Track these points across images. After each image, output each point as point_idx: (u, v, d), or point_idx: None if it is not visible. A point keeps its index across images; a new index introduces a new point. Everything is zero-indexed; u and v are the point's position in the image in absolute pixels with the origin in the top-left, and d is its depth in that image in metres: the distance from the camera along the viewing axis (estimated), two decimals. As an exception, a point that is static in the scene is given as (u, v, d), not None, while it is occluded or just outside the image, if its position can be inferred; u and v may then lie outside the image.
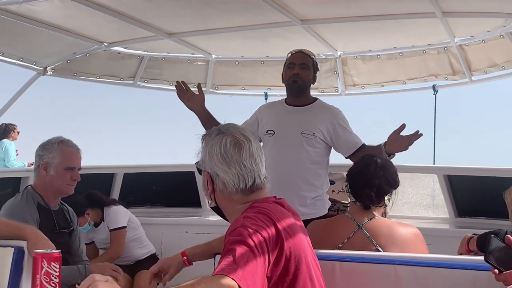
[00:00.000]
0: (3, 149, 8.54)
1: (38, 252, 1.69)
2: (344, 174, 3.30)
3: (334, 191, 4.52)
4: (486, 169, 5.21)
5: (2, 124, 8.74)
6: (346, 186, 2.90)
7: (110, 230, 4.80)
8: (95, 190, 4.96)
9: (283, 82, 4.06)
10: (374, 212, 2.81)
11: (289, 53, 4.08)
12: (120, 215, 4.87)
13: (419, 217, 5.45)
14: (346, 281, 2.45)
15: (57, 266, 1.68)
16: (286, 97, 4.11)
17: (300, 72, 3.91)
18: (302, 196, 3.77)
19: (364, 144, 3.88)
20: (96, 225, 4.89)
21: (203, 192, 2.41)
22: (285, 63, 4.06)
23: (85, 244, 4.94)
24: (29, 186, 3.64)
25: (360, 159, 3.04)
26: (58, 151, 3.57)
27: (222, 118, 3.45)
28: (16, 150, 8.68)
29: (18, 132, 8.92)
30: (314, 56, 4.04)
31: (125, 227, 4.83)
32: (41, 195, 3.56)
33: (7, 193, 5.07)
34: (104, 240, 4.89)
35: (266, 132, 3.93)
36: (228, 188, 2.17)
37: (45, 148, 3.61)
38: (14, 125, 8.87)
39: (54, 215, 3.59)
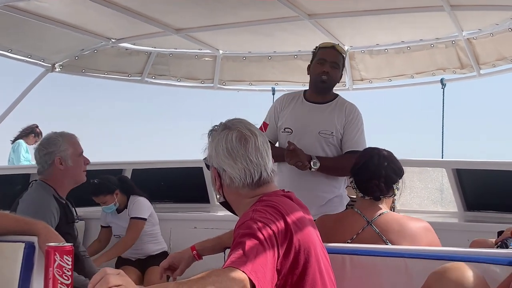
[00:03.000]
0: (14, 149, 8.56)
1: (51, 246, 1.70)
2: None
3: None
4: (494, 163, 5.19)
5: (33, 124, 8.72)
6: (351, 182, 2.88)
7: (131, 218, 4.85)
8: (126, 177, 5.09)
9: (308, 74, 3.88)
10: (383, 205, 2.79)
11: (320, 45, 3.87)
12: (144, 207, 4.93)
13: (428, 211, 5.45)
14: (356, 275, 2.45)
15: (70, 259, 1.69)
16: (305, 89, 3.96)
17: (330, 71, 3.74)
18: (322, 197, 3.71)
19: (355, 151, 3.63)
20: (119, 211, 4.94)
21: (212, 188, 2.42)
22: (315, 55, 3.85)
23: (101, 226, 5.05)
24: (38, 180, 3.67)
25: (361, 153, 3.02)
26: (66, 143, 3.64)
27: (229, 113, 3.45)
28: None
29: (36, 141, 8.82)
30: (345, 54, 3.89)
31: (145, 219, 4.88)
32: (55, 188, 3.61)
33: (17, 189, 5.09)
34: (121, 226, 4.92)
35: (284, 130, 3.83)
36: (235, 183, 2.17)
37: (52, 144, 3.65)
38: (37, 129, 8.79)
39: (66, 208, 3.64)
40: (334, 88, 3.90)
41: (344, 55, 3.89)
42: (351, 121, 3.76)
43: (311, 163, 3.52)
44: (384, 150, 2.92)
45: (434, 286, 1.90)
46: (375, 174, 2.79)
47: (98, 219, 5.11)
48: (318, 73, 3.75)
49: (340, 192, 3.82)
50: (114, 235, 5.03)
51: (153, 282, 4.65)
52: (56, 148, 3.64)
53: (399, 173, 2.86)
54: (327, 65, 3.73)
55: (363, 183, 2.81)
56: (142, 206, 4.91)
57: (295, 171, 3.50)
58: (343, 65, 3.86)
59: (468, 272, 1.88)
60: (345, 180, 3.88)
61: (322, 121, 3.76)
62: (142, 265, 4.94)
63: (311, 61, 3.85)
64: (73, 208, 3.78)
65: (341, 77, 3.88)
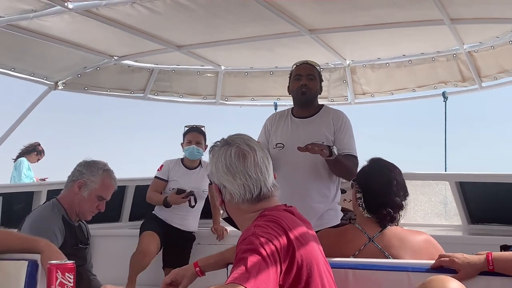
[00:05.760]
0: (16, 166, 8.57)
1: (53, 263, 1.70)
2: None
3: (345, 200, 4.50)
4: (498, 175, 5.19)
5: (35, 142, 8.73)
6: (359, 199, 2.79)
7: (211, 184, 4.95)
8: None
9: (289, 94, 4.03)
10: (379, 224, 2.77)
11: (294, 64, 4.04)
12: None
13: (432, 224, 5.43)
14: (360, 289, 2.45)
15: (71, 277, 1.69)
16: (292, 107, 4.06)
17: (308, 83, 3.89)
18: (316, 208, 3.73)
19: (352, 155, 3.79)
20: (189, 168, 5.08)
21: (216, 203, 2.42)
22: (291, 74, 4.02)
23: (156, 177, 5.12)
24: (55, 199, 3.64)
25: (377, 175, 2.85)
26: (100, 178, 3.56)
27: (231, 128, 3.46)
28: (44, 179, 8.28)
29: (39, 159, 8.84)
30: (319, 67, 4.02)
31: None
32: (66, 209, 3.57)
33: (21, 207, 5.10)
34: (186, 182, 4.97)
35: (276, 146, 3.92)
36: (235, 198, 2.16)
37: (90, 168, 3.59)
38: (39, 147, 8.79)
39: (76, 231, 3.60)
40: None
41: (318, 68, 3.99)
42: (340, 127, 3.85)
43: (332, 149, 3.58)
44: (400, 173, 2.86)
45: None
46: (391, 203, 2.75)
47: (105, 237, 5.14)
48: (297, 88, 3.90)
49: (334, 204, 3.86)
50: (170, 189, 5.02)
51: None
52: (88, 174, 3.58)
53: (407, 198, 2.83)
54: (303, 78, 3.89)
55: (375, 207, 2.74)
56: None
57: (286, 181, 3.52)
58: (320, 77, 3.98)
59: (452, 283, 1.85)
60: (337, 192, 3.90)
61: (311, 133, 3.83)
62: (173, 236, 5.01)
63: (289, 82, 4.01)
64: (87, 232, 3.75)
65: (321, 88, 4.00)
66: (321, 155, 3.59)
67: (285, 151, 3.82)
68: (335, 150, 3.61)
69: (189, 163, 5.10)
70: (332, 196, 3.86)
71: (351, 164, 3.65)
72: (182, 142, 5.09)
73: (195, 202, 4.93)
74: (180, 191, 4.85)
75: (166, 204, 4.88)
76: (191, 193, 4.86)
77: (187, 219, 5.06)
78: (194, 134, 5.03)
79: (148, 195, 5.08)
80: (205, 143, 5.06)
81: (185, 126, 5.17)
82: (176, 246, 5.06)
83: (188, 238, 5.13)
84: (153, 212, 5.14)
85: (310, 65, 3.97)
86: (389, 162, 2.92)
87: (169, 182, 5.05)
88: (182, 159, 5.13)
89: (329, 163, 3.72)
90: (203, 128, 5.15)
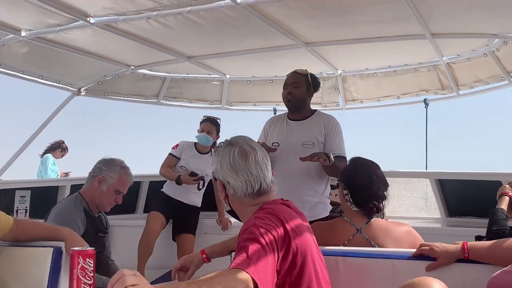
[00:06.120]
0: (43, 162, 8.57)
1: (75, 250, 1.71)
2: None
3: (336, 195, 4.50)
4: (473, 173, 5.19)
5: (60, 140, 8.73)
6: (346, 195, 2.79)
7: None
8: None
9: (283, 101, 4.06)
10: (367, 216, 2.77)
11: (286, 75, 4.07)
12: None
13: (414, 217, 5.43)
14: (349, 275, 2.45)
15: (92, 262, 1.70)
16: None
17: (292, 91, 3.91)
18: (306, 201, 3.73)
19: (342, 156, 3.79)
20: (201, 153, 5.16)
21: (220, 197, 2.42)
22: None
23: (171, 154, 5.21)
24: (77, 192, 3.64)
25: (359, 172, 2.86)
26: (117, 174, 3.57)
27: (235, 131, 3.46)
28: (67, 173, 8.38)
29: (63, 155, 8.83)
30: (308, 74, 4.00)
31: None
32: (87, 202, 3.57)
33: (47, 200, 5.10)
34: (197, 166, 5.08)
35: (272, 144, 3.92)
36: (238, 193, 2.18)
37: (109, 165, 3.60)
38: (64, 144, 8.77)
39: (96, 221, 3.60)
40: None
41: (307, 75, 3.98)
42: (330, 130, 3.86)
43: (330, 156, 3.60)
44: (379, 168, 2.87)
45: None
46: (376, 196, 2.76)
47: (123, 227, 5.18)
48: (284, 97, 3.96)
49: (323, 198, 3.86)
50: (179, 166, 5.14)
51: (187, 248, 4.97)
52: (107, 170, 3.59)
53: (387, 188, 2.84)
54: (289, 87, 3.94)
55: (362, 201, 2.74)
56: None
57: (280, 177, 3.52)
58: (309, 82, 3.97)
59: (436, 286, 1.76)
60: (326, 187, 3.90)
61: (303, 135, 3.85)
62: (177, 210, 5.12)
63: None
64: (105, 222, 3.75)
65: (309, 92, 3.98)
66: (322, 164, 3.62)
67: (280, 150, 3.84)
68: (332, 157, 3.62)
69: (201, 148, 5.20)
70: (321, 191, 3.87)
71: (342, 165, 3.65)
72: (198, 128, 5.19)
73: (203, 186, 5.05)
74: (193, 174, 4.98)
75: (178, 182, 4.99)
76: (202, 178, 5.00)
77: (192, 195, 5.16)
78: (207, 124, 5.16)
79: (162, 170, 5.19)
80: (217, 133, 5.17)
81: (203, 116, 5.27)
82: (183, 217, 5.17)
83: (193, 210, 5.22)
84: (161, 189, 5.24)
85: (296, 74, 3.98)
86: (368, 159, 2.92)
87: (180, 160, 5.16)
88: (195, 143, 5.21)
89: (325, 167, 3.72)
90: (218, 121, 5.25)
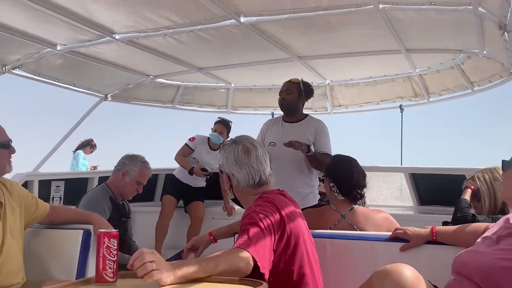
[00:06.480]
0: (75, 157, 8.57)
1: (102, 231, 1.71)
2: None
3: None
4: (441, 168, 5.19)
5: (89, 138, 8.71)
6: (332, 187, 2.77)
7: None
8: None
9: None
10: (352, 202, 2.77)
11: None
12: None
13: (390, 205, 5.42)
14: (334, 254, 2.45)
15: (115, 242, 1.70)
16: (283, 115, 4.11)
17: (285, 97, 3.94)
18: (299, 192, 3.72)
19: (326, 153, 3.79)
20: (213, 149, 5.23)
21: (225, 188, 2.42)
22: None
23: (186, 145, 5.26)
24: (104, 183, 3.64)
25: (342, 165, 2.86)
26: (139, 167, 3.59)
27: (239, 131, 3.47)
28: (95, 167, 8.26)
29: (92, 151, 8.82)
30: (300, 82, 3.99)
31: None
32: (113, 191, 3.58)
33: (79, 190, 5.11)
34: (207, 160, 5.18)
35: (269, 144, 3.93)
36: (241, 184, 2.18)
37: (131, 160, 3.61)
38: (93, 142, 8.74)
39: (120, 208, 3.61)
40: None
41: (299, 83, 3.99)
42: (319, 133, 3.87)
43: (310, 148, 3.65)
44: (357, 162, 2.87)
45: (377, 285, 1.74)
46: (358, 185, 2.76)
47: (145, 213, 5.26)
48: (279, 101, 4.01)
49: (313, 189, 3.87)
50: (192, 157, 5.24)
51: (198, 213, 5.21)
52: (130, 164, 3.60)
53: (365, 177, 2.84)
54: (283, 93, 3.98)
55: (348, 191, 2.74)
56: None
57: (276, 172, 3.51)
58: (300, 90, 3.98)
59: (407, 272, 1.70)
60: (315, 180, 3.91)
61: (296, 136, 3.83)
62: (184, 192, 5.23)
63: None
64: (128, 209, 3.76)
65: (300, 98, 3.99)
66: (301, 151, 3.62)
67: (276, 148, 3.85)
68: (312, 148, 3.63)
69: (212, 145, 5.28)
70: (312, 183, 3.87)
71: (326, 160, 3.63)
72: (213, 127, 5.27)
73: (210, 179, 5.15)
74: (204, 170, 5.05)
75: (191, 172, 5.07)
76: (210, 174, 5.07)
77: (198, 180, 5.27)
78: (220, 126, 5.24)
79: (178, 158, 5.24)
80: (228, 134, 5.22)
81: (218, 117, 5.35)
82: (191, 195, 5.30)
83: (199, 189, 5.32)
84: (173, 173, 5.36)
85: (289, 82, 4.01)
86: (347, 155, 2.93)
87: (194, 152, 5.23)
88: (208, 139, 5.27)
89: (308, 158, 3.72)
90: (230, 123, 5.32)
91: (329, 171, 2.86)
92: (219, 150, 5.17)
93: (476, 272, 1.82)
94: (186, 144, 5.26)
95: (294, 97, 3.94)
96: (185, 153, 5.23)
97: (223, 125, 5.24)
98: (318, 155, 3.70)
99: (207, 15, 3.40)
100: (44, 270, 2.57)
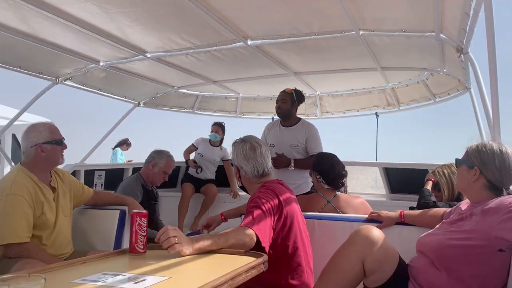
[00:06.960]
0: (114, 153, 8.59)
1: (134, 212, 1.71)
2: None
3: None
4: (408, 164, 5.16)
5: (126, 138, 8.70)
6: (319, 179, 2.76)
7: (226, 160, 5.40)
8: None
9: None
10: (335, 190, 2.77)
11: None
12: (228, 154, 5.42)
13: (367, 193, 5.41)
14: (322, 233, 2.45)
15: (145, 221, 1.70)
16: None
17: (280, 106, 3.87)
18: (294, 183, 3.70)
19: (312, 155, 3.73)
20: (213, 145, 5.36)
21: (234, 177, 2.42)
22: None
23: (193, 145, 5.46)
24: (137, 173, 3.65)
25: (325, 160, 2.85)
26: (165, 160, 3.60)
27: (246, 132, 3.46)
28: (130, 160, 8.25)
29: (128, 148, 8.80)
30: (293, 92, 3.94)
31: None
32: (144, 179, 3.59)
33: (117, 178, 5.12)
34: (208, 154, 5.34)
35: (270, 145, 3.90)
36: (248, 175, 2.19)
37: (159, 154, 3.63)
38: (128, 141, 8.71)
39: (150, 193, 3.61)
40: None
41: (292, 93, 3.92)
42: (310, 136, 3.80)
43: (290, 165, 3.64)
44: (337, 157, 2.87)
45: (353, 239, 1.91)
46: (339, 175, 2.76)
47: (171, 197, 5.28)
48: (275, 109, 3.93)
49: (306, 179, 3.83)
50: (198, 153, 5.41)
51: (211, 192, 5.28)
52: (158, 157, 3.61)
53: (345, 168, 2.84)
54: (278, 102, 3.90)
55: (331, 181, 2.74)
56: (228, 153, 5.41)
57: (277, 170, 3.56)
58: (293, 99, 3.90)
59: (374, 230, 1.89)
60: (308, 172, 3.88)
61: (290, 138, 3.81)
62: (197, 183, 5.30)
63: None
64: (156, 193, 3.77)
65: (293, 105, 3.91)
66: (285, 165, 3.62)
67: (275, 149, 3.81)
68: (292, 164, 3.62)
69: (212, 142, 5.43)
70: (304, 175, 3.83)
71: (311, 161, 3.54)
72: (210, 129, 5.45)
73: (200, 170, 5.30)
74: (195, 162, 5.32)
75: (186, 163, 5.36)
76: (199, 166, 5.30)
77: (207, 174, 5.36)
78: (216, 127, 5.41)
79: (184, 153, 5.51)
80: (223, 132, 5.42)
81: (213, 122, 5.51)
82: (203, 184, 5.32)
83: (208, 180, 5.37)
84: (188, 172, 5.46)
85: (283, 93, 3.92)
86: (328, 152, 2.93)
87: (198, 149, 5.43)
88: (210, 139, 5.44)
89: (296, 164, 3.69)
90: (223, 124, 5.49)
91: (316, 165, 2.86)
92: (219, 146, 5.40)
93: (430, 249, 1.83)
94: (192, 144, 5.54)
95: (288, 105, 3.89)
96: (190, 150, 5.52)
97: (218, 126, 5.44)
98: (301, 162, 3.68)
99: (220, 39, 3.41)
100: (88, 243, 2.58)
